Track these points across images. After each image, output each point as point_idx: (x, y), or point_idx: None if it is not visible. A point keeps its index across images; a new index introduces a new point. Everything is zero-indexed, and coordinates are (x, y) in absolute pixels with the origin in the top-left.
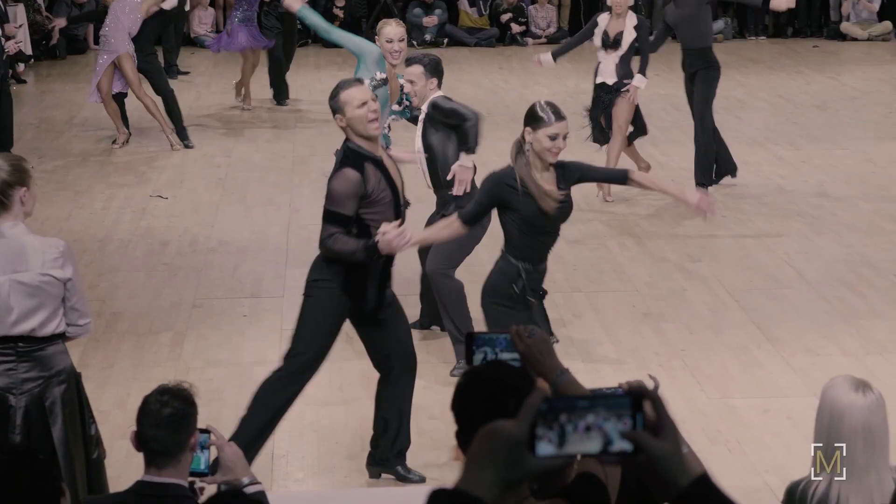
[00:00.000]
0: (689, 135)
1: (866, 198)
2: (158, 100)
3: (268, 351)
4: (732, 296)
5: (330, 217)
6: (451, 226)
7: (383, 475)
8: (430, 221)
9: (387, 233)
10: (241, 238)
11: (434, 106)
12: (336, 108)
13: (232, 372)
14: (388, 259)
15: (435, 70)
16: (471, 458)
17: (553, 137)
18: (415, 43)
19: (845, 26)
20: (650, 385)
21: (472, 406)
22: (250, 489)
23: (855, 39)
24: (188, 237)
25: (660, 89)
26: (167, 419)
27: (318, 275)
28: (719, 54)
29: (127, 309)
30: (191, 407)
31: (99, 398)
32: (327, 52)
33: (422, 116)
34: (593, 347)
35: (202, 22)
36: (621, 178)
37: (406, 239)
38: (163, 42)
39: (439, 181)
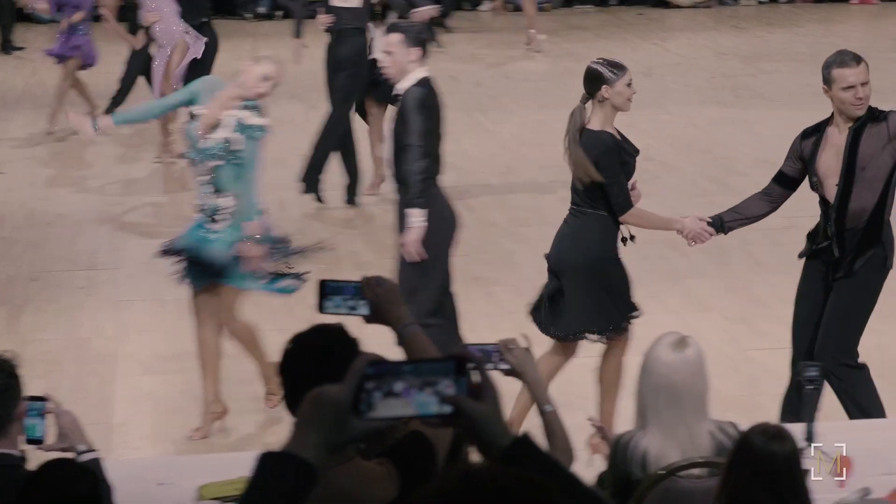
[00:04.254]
0: (519, 101)
1: (690, 161)
2: None
3: (105, 322)
4: None
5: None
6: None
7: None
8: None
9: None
10: (79, 211)
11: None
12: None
13: (70, 343)
14: None
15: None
16: (298, 422)
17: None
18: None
19: None
20: (523, 344)
21: (296, 371)
22: (85, 457)
23: (678, 7)
24: (24, 211)
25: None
26: None
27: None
28: (547, 22)
29: None
30: (11, 378)
31: None
32: None
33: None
34: None
35: None
36: None
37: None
38: None
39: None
